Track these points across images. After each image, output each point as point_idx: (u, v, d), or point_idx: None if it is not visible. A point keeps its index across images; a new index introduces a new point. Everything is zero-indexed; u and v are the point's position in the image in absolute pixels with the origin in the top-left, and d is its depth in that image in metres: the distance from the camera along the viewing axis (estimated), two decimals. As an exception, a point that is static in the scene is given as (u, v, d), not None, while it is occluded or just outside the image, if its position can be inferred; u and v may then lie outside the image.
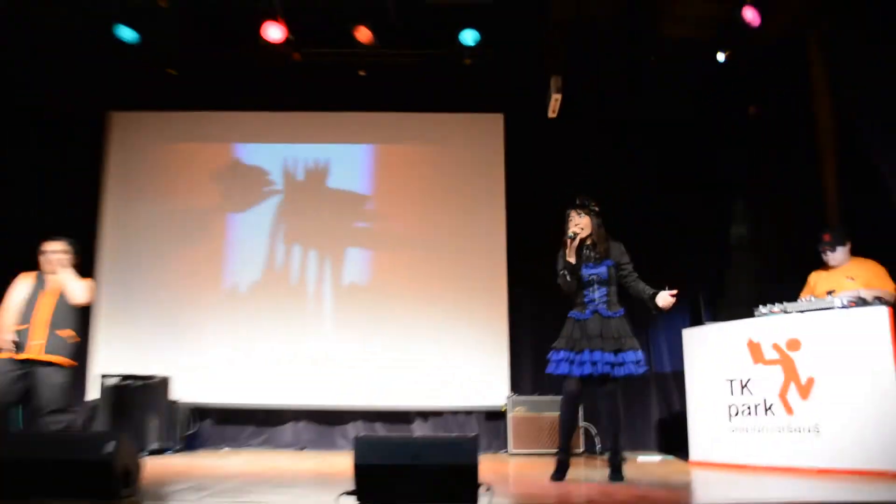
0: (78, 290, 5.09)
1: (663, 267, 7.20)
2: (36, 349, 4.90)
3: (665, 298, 4.41)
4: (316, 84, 7.70)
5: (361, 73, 7.50)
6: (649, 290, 4.49)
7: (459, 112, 7.92)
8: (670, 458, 6.35)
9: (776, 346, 5.06)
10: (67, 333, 5.06)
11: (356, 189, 7.81)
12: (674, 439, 6.76)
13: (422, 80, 7.67)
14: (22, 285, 5.14)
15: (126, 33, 6.81)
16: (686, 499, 3.80)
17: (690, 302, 7.33)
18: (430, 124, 7.94)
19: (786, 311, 5.12)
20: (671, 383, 7.14)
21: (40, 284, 5.12)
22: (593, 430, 6.82)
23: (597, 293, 4.53)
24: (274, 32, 6.78)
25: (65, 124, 7.68)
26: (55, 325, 5.01)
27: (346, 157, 7.88)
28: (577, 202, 4.64)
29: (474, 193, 7.74)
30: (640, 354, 4.43)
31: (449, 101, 7.87)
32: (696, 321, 6.87)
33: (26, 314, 4.99)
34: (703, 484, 4.46)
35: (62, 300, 5.08)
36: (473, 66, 7.31)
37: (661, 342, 7.30)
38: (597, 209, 4.65)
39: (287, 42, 6.90)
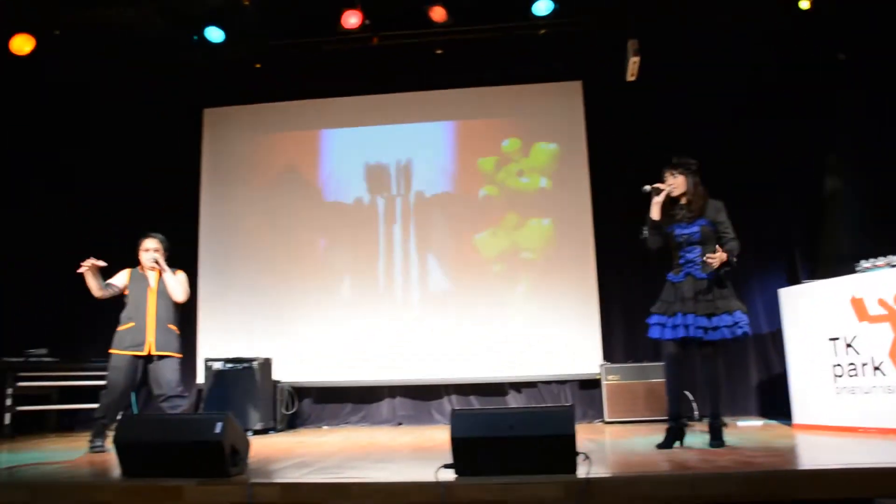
0: (177, 289, 5.30)
1: (757, 226, 7.03)
2: (151, 346, 5.16)
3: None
4: (395, 66, 7.78)
5: (438, 51, 7.51)
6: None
7: (537, 83, 7.86)
8: (772, 422, 6.18)
9: (882, 302, 4.84)
10: (174, 327, 5.31)
11: (441, 165, 7.86)
12: (775, 403, 6.59)
13: (498, 53, 7.62)
14: (124, 278, 5.34)
15: (213, 34, 7.06)
16: (792, 463, 3.70)
17: (786, 260, 7.09)
18: (509, 97, 7.89)
19: (891, 265, 4.89)
20: (770, 345, 6.95)
21: (144, 281, 5.32)
22: (690, 396, 6.70)
23: (691, 254, 4.42)
24: (351, 19, 6.87)
25: (166, 123, 8.11)
26: (164, 320, 5.25)
27: (429, 134, 7.93)
28: (672, 161, 4.54)
29: (558, 162, 7.67)
30: (738, 316, 4.28)
31: (526, 73, 7.83)
32: (793, 280, 6.63)
33: (139, 312, 5.21)
34: (808, 448, 4.32)
35: (165, 295, 5.30)
36: (549, 36, 7.21)
37: (758, 303, 7.09)
38: (693, 168, 4.53)
39: (364, 27, 6.98)
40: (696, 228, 4.43)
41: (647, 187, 4.48)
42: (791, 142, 7.09)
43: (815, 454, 4.09)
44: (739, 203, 6.92)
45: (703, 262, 4.34)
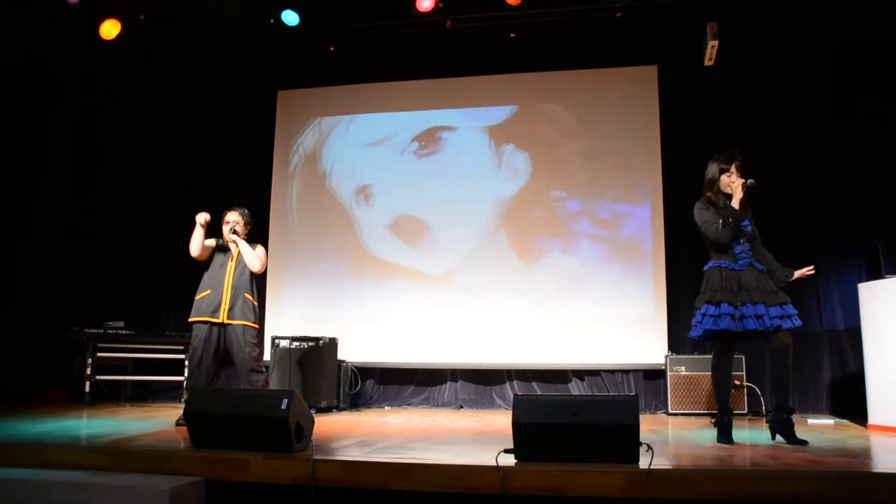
0: (254, 261, 5.39)
1: (837, 218, 6.78)
2: (224, 313, 5.27)
3: (802, 273, 4.43)
4: (468, 49, 7.73)
5: (512, 34, 7.44)
6: (777, 265, 4.49)
7: (611, 67, 7.72)
8: (844, 421, 5.98)
9: (969, 301, 4.62)
10: (251, 297, 5.42)
11: (512, 150, 7.80)
12: (848, 402, 6.38)
13: (572, 37, 7.51)
14: (212, 244, 5.42)
15: (289, 17, 7.19)
16: (865, 466, 3.56)
17: (867, 254, 6.82)
18: (583, 81, 7.77)
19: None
20: (845, 342, 6.71)
21: (226, 252, 5.43)
22: (758, 391, 6.55)
23: (746, 246, 4.41)
24: (424, 2, 6.88)
25: (241, 105, 8.33)
26: (241, 289, 5.35)
27: (500, 118, 7.87)
28: (741, 156, 4.47)
29: (630, 148, 7.54)
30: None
31: (601, 56, 7.70)
32: (875, 274, 6.37)
33: (217, 280, 5.33)
34: (884, 450, 4.16)
35: (243, 265, 5.40)
36: (625, 19, 7.07)
37: (833, 298, 6.86)
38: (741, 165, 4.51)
39: (437, 10, 6.97)
40: (748, 223, 4.44)
41: (751, 181, 4.39)
42: (879, 130, 6.80)
43: (892, 457, 3.93)
44: (819, 193, 6.76)
45: (754, 255, 4.43)
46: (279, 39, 7.47)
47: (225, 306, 5.27)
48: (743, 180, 4.38)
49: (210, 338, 5.22)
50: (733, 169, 4.44)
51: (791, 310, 4.21)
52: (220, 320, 5.25)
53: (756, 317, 4.17)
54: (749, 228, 4.42)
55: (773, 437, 4.33)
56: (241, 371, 5.29)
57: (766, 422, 4.43)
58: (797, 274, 4.43)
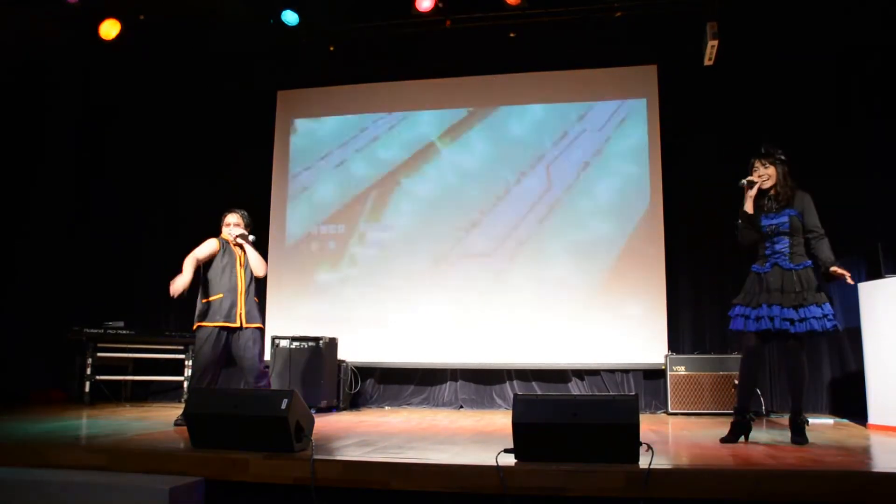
0: (261, 266, 5.37)
1: (838, 216, 6.76)
2: (242, 317, 5.22)
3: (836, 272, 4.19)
4: (468, 49, 7.72)
5: (512, 34, 7.44)
6: (830, 262, 4.23)
7: (611, 67, 7.72)
8: (844, 421, 5.98)
9: (969, 301, 4.61)
10: (257, 300, 5.40)
11: (511, 150, 7.80)
12: (849, 402, 6.38)
13: (572, 37, 7.51)
14: (211, 247, 5.30)
15: (289, 17, 7.20)
16: (865, 465, 3.56)
17: (868, 253, 6.82)
18: (583, 81, 7.77)
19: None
20: (845, 341, 6.71)
21: (232, 254, 5.34)
22: (758, 391, 6.54)
23: (778, 244, 4.30)
24: (424, 2, 6.89)
25: (240, 104, 8.35)
26: (251, 292, 5.32)
27: (500, 119, 7.88)
28: (763, 150, 4.42)
29: (629, 149, 7.53)
30: (827, 308, 4.16)
31: (601, 56, 7.70)
32: (875, 274, 6.37)
33: (229, 284, 5.24)
34: (884, 450, 4.16)
35: (249, 267, 5.36)
36: (624, 19, 7.07)
37: (834, 297, 6.82)
38: (783, 157, 4.41)
39: (437, 10, 6.98)
40: (784, 219, 4.30)
41: (744, 181, 4.36)
42: (879, 130, 6.80)
43: (892, 457, 3.93)
44: (819, 193, 6.73)
45: (792, 253, 4.26)
46: (279, 39, 7.48)
47: (241, 310, 5.22)
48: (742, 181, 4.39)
49: (218, 341, 5.16)
50: (756, 166, 4.41)
51: (810, 312, 4.12)
52: (237, 325, 5.20)
53: (769, 318, 4.16)
54: (786, 225, 4.28)
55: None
56: (247, 372, 5.25)
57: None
58: (832, 269, 4.20)
